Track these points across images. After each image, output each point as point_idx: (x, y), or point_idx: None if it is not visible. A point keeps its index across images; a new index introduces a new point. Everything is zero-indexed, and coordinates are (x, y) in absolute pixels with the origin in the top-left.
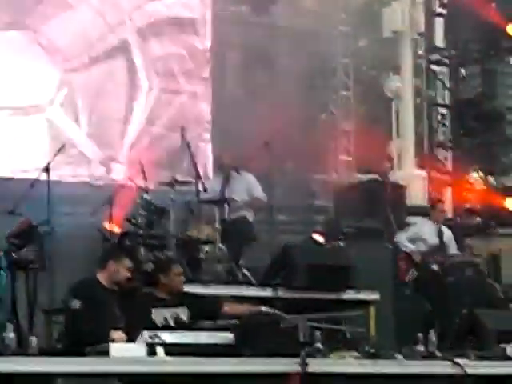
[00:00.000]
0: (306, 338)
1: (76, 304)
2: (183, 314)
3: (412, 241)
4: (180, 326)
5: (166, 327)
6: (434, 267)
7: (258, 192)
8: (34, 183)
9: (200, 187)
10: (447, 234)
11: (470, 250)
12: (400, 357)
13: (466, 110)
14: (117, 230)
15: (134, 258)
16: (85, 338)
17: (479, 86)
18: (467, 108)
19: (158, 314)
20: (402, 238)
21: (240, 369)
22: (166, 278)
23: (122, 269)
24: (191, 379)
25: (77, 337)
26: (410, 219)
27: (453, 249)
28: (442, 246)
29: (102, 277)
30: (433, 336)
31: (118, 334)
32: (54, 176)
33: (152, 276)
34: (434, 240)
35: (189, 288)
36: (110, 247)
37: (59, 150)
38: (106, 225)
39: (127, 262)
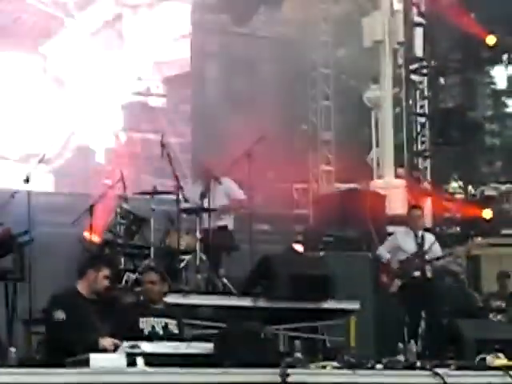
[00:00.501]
0: (286, 347)
1: (60, 315)
2: (172, 324)
3: (391, 251)
4: (168, 335)
5: (150, 337)
6: (416, 274)
7: (238, 194)
8: (14, 193)
9: (180, 197)
10: (429, 238)
11: (451, 256)
12: (380, 367)
13: (446, 120)
14: (97, 239)
15: (114, 267)
16: (69, 348)
17: (458, 96)
18: (447, 117)
19: (146, 323)
20: (382, 250)
21: (220, 379)
22: (142, 286)
23: (100, 278)
24: None
25: (61, 348)
26: (390, 230)
27: (437, 253)
28: (421, 251)
29: (81, 286)
30: (413, 346)
31: (107, 341)
32: (34, 186)
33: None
34: (413, 247)
35: (168, 298)
36: (89, 257)
37: (40, 161)
38: (86, 234)
39: (106, 271)
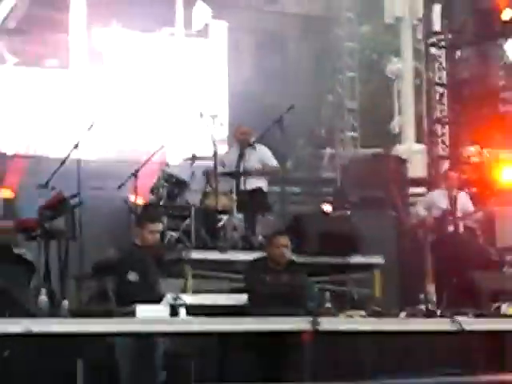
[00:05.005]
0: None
1: (133, 277)
2: None
3: (427, 208)
4: None
5: None
6: (449, 229)
7: (272, 161)
8: (65, 160)
9: (218, 162)
10: (463, 198)
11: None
12: (403, 315)
13: (462, 89)
14: (141, 201)
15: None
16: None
17: (474, 67)
18: (463, 87)
19: None
20: (418, 208)
21: (256, 327)
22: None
23: (145, 233)
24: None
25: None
26: (410, 191)
27: (469, 209)
28: (454, 209)
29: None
30: (433, 296)
31: None
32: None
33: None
34: (447, 205)
35: (207, 255)
36: (136, 217)
37: (89, 129)
38: (132, 197)
39: (150, 227)
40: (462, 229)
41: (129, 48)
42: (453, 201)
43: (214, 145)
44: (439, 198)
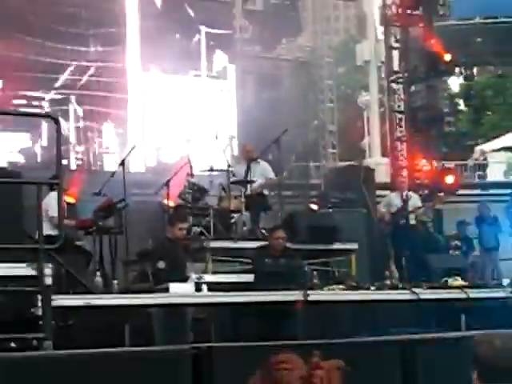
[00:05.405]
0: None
1: (161, 265)
2: None
3: (386, 206)
4: None
5: None
6: (402, 221)
7: (271, 175)
8: (113, 173)
9: (230, 173)
10: (412, 196)
11: (424, 208)
12: (373, 288)
13: (416, 115)
14: (172, 204)
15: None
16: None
17: (424, 98)
18: (416, 113)
19: None
20: (380, 206)
21: (261, 299)
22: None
23: (175, 230)
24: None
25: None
26: (377, 193)
27: (417, 205)
28: (405, 206)
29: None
30: (395, 273)
31: None
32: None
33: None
34: (399, 203)
35: (223, 244)
36: (168, 217)
37: (132, 149)
38: (165, 201)
39: (179, 225)
40: (414, 221)
41: (164, 86)
42: (405, 200)
43: (227, 160)
44: (395, 198)
